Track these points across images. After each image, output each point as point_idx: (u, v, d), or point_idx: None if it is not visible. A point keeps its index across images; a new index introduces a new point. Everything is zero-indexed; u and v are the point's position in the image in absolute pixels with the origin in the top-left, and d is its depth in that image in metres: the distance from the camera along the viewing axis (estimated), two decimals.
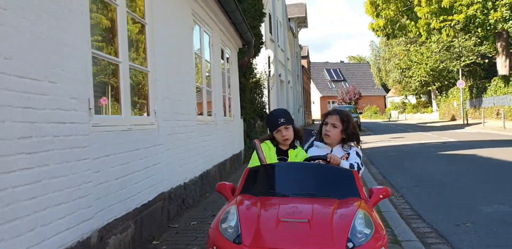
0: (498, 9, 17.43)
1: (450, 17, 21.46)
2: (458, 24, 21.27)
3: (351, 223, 2.31)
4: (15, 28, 2.19)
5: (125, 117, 3.56)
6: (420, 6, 24.76)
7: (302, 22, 34.46)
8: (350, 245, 2.20)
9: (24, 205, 2.20)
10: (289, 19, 30.91)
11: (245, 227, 2.33)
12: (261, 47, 12.74)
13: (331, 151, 3.07)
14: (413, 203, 5.59)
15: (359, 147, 3.14)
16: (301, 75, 37.64)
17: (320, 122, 3.20)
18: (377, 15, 28.76)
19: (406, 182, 7.19)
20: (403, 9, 28.17)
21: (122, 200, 3.36)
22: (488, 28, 20.96)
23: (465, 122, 28.19)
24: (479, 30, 21.61)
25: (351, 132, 3.08)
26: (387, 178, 7.79)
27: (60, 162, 2.54)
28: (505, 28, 20.25)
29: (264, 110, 15.37)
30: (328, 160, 2.87)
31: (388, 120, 48.50)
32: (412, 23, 27.73)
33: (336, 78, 62.54)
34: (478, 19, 19.27)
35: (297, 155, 3.06)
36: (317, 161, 2.94)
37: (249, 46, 10.23)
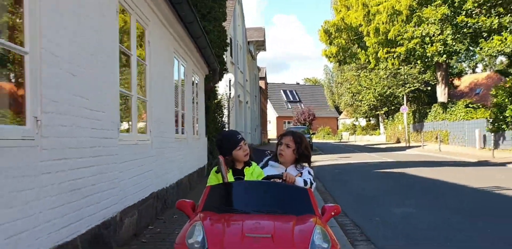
0: (434, 44, 20.09)
1: (393, 50, 24.20)
2: (400, 55, 24.00)
3: (310, 238, 2.51)
4: (88, 78, 3.66)
5: (134, 135, 5.02)
6: (369, 36, 27.46)
7: (261, 45, 36.62)
8: None
9: (89, 189, 3.63)
10: (248, 42, 32.95)
11: (212, 242, 2.47)
12: (224, 72, 14.37)
13: (285, 170, 3.30)
14: (344, 208, 7.25)
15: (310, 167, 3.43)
16: (258, 95, 39.59)
17: (276, 142, 3.50)
18: (330, 43, 31.35)
19: (343, 193, 8.89)
20: (354, 38, 30.93)
21: (132, 193, 4.79)
22: (426, 60, 23.77)
23: (407, 144, 30.94)
24: (418, 62, 24.42)
25: (303, 152, 3.34)
26: (328, 190, 9.46)
27: (105, 163, 3.98)
28: (440, 61, 23.11)
29: (224, 129, 16.88)
30: (284, 178, 3.08)
31: (339, 141, 51.28)
32: (362, 51, 30.44)
33: (292, 99, 65.24)
34: (417, 52, 21.95)
35: (252, 173, 3.19)
36: (273, 179, 3.15)
37: (215, 73, 11.85)
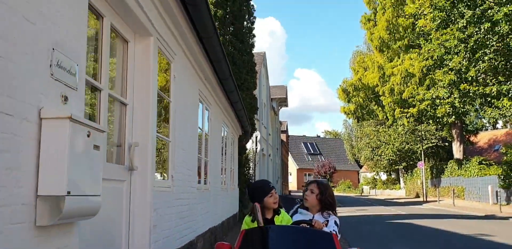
0: (443, 106, 22.48)
1: (406, 110, 26.67)
2: (413, 115, 26.40)
3: None
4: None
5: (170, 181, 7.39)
6: (385, 96, 30.08)
7: (283, 101, 39.62)
8: None
9: (187, 219, 5.95)
10: (271, 99, 35.97)
11: None
12: (254, 132, 16.93)
13: (313, 217, 3.53)
14: (354, 245, 9.27)
15: (336, 215, 3.64)
16: (280, 148, 42.01)
17: (303, 190, 3.84)
18: (349, 101, 34.07)
19: (355, 239, 10.90)
20: (371, 96, 33.61)
21: (184, 236, 7.05)
22: (437, 120, 26.08)
23: (425, 199, 32.35)
24: (430, 121, 26.71)
25: (326, 199, 3.60)
26: (345, 236, 11.43)
27: (190, 203, 6.32)
28: (449, 121, 25.38)
29: (250, 180, 19.13)
30: (313, 224, 3.31)
31: (360, 194, 52.46)
32: (379, 108, 32.96)
33: (312, 152, 67.37)
34: (429, 112, 24.33)
35: (281, 221, 3.47)
36: (302, 224, 3.38)
37: (247, 134, 14.38)
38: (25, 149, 2.16)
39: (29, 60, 2.20)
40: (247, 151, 19.67)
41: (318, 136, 75.52)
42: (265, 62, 31.98)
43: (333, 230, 3.46)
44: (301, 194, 4.08)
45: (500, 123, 58.58)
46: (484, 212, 20.28)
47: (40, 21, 2.29)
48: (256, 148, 20.60)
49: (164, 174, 5.21)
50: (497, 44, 15.81)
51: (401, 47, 28.50)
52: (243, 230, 3.41)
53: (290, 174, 59.40)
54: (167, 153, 5.22)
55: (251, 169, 20.01)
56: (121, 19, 3.86)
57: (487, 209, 22.58)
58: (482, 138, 45.82)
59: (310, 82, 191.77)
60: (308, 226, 3.37)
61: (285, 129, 48.37)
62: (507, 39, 15.56)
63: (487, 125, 58.00)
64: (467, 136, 36.75)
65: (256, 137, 20.29)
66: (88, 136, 2.50)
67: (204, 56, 6.47)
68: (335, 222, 3.55)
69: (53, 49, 2.40)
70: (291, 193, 44.08)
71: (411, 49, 28.78)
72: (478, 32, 15.13)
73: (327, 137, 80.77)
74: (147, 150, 4.18)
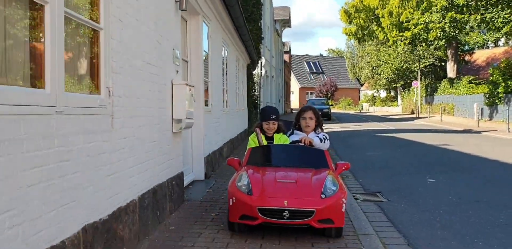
0: (434, 30, 24.52)
1: (401, 33, 28.65)
2: (407, 38, 28.44)
3: (323, 183, 3.96)
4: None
5: (216, 108, 10.26)
6: (384, 18, 31.76)
7: (286, 22, 41.12)
8: (323, 196, 3.85)
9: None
10: (275, 21, 37.52)
11: (254, 184, 3.96)
12: (260, 59, 19.43)
13: (306, 136, 4.74)
14: (340, 152, 12.40)
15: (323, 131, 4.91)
16: (283, 69, 44.39)
17: (297, 115, 4.93)
18: (350, 22, 35.67)
19: (341, 147, 14.04)
20: (372, 17, 35.16)
21: (217, 142, 10.06)
22: (429, 43, 28.19)
23: (417, 115, 35.66)
24: (423, 44, 28.82)
25: (319, 120, 4.88)
26: (334, 146, 14.58)
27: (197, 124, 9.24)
28: (439, 45, 27.53)
29: (256, 101, 22.07)
30: (302, 140, 4.59)
31: (359, 111, 56.00)
32: (380, 29, 34.70)
33: (315, 71, 69.65)
34: (422, 36, 26.37)
35: (280, 138, 4.70)
36: (297, 143, 4.60)
37: (254, 63, 16.93)
38: (168, 97, 4.92)
39: (167, 57, 4.88)
40: (254, 76, 22.38)
41: (321, 55, 77.16)
42: None
43: (322, 137, 4.73)
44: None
45: (502, 40, 59.98)
46: (464, 127, 23.45)
47: (168, 41, 4.93)
48: (261, 73, 23.26)
49: (208, 103, 8.03)
50: None
51: None
52: (250, 148, 4.66)
53: (293, 93, 62.45)
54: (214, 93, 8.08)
55: (256, 91, 22.88)
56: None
57: (470, 124, 25.74)
58: (481, 56, 47.78)
59: None
60: (302, 143, 4.61)
61: (288, 50, 50.22)
62: None
63: (489, 42, 59.45)
64: (462, 56, 38.86)
65: (261, 62, 22.81)
66: (190, 90, 5.27)
67: (225, 10, 8.79)
68: (324, 135, 4.81)
69: (173, 49, 5.06)
70: (293, 111, 47.44)
71: None
72: None
73: (330, 55, 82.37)
74: (199, 90, 6.94)
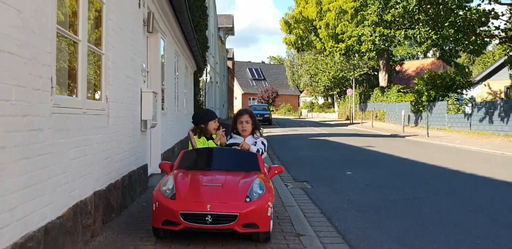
0: (366, 43, 27.03)
1: (336, 44, 31.11)
2: (342, 50, 30.94)
3: (250, 186, 3.95)
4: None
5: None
6: (321, 29, 34.17)
7: (230, 30, 42.67)
8: (248, 199, 3.83)
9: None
10: (218, 28, 38.94)
11: (179, 189, 3.91)
12: (206, 66, 20.79)
13: (243, 140, 4.78)
14: (278, 153, 13.99)
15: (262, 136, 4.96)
16: (226, 75, 45.85)
17: (233, 119, 4.95)
18: (290, 32, 37.88)
19: (280, 148, 15.66)
20: (311, 28, 37.57)
21: (171, 141, 11.34)
22: (361, 55, 30.84)
23: (351, 121, 38.36)
24: (356, 55, 31.44)
25: (256, 123, 4.87)
26: (273, 147, 16.17)
27: (168, 123, 10.52)
28: (371, 56, 30.22)
29: (202, 106, 23.34)
30: (241, 146, 4.62)
31: (298, 117, 58.61)
32: (318, 39, 37.16)
33: (257, 77, 71.84)
34: (355, 47, 28.88)
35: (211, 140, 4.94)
36: (233, 146, 4.69)
37: (200, 70, 18.27)
38: (137, 102, 6.20)
39: (138, 70, 6.16)
40: (200, 82, 23.67)
41: (263, 62, 79.62)
42: None
43: (260, 148, 4.69)
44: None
45: (430, 52, 65.07)
46: (392, 132, 25.96)
47: (138, 58, 6.23)
48: (206, 79, 24.61)
49: (164, 107, 9.30)
50: None
51: None
52: (182, 152, 4.67)
53: (236, 98, 64.08)
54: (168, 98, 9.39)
55: (202, 96, 24.18)
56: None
57: (397, 130, 28.36)
58: (411, 67, 51.79)
59: (258, 2, 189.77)
60: (238, 148, 4.63)
61: (232, 56, 51.83)
62: None
63: (419, 54, 64.36)
64: (393, 66, 42.22)
65: (206, 69, 24.17)
66: (155, 96, 6.58)
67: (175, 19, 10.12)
68: (262, 142, 4.76)
69: (142, 63, 6.36)
70: None
71: None
72: None
73: (271, 63, 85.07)
74: (158, 96, 8.20)
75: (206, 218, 3.72)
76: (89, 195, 3.89)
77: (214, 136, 4.98)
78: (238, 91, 66.87)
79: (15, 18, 2.51)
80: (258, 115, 32.53)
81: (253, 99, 66.16)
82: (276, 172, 4.66)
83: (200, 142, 4.91)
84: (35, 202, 2.77)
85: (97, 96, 4.40)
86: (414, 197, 6.89)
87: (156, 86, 8.25)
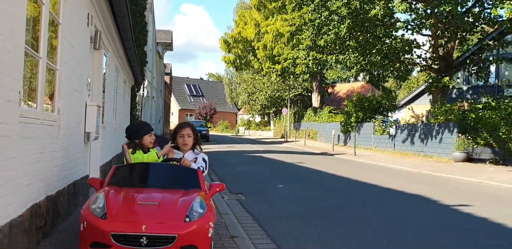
0: (300, 66, 28.53)
1: (272, 66, 32.47)
2: (277, 71, 32.34)
3: (190, 205, 3.66)
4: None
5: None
6: (259, 50, 35.43)
7: (168, 46, 42.96)
8: (187, 219, 3.53)
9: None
10: (157, 43, 39.14)
11: (110, 207, 3.56)
12: (144, 81, 21.03)
13: (183, 155, 4.47)
14: (215, 168, 14.46)
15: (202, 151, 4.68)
16: (163, 90, 45.84)
17: (173, 133, 4.66)
18: (229, 51, 38.87)
19: (217, 164, 16.17)
20: (249, 48, 38.79)
21: (109, 152, 11.57)
22: (296, 76, 32.41)
23: (286, 140, 39.68)
24: (291, 76, 32.95)
25: (197, 138, 4.63)
26: (210, 163, 16.64)
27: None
28: (304, 78, 31.86)
29: (136, 117, 23.37)
30: (182, 163, 4.28)
31: (236, 134, 59.40)
32: (256, 59, 38.39)
33: (195, 93, 72.11)
34: (290, 69, 30.32)
35: (149, 155, 4.46)
36: (172, 162, 4.37)
37: (138, 85, 18.51)
38: (82, 115, 6.54)
39: (84, 85, 6.54)
40: (137, 97, 23.77)
41: (201, 79, 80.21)
42: (153, 8, 34.78)
43: (201, 166, 4.40)
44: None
45: (361, 76, 68.83)
46: (322, 150, 27.28)
47: (85, 73, 6.61)
48: (143, 94, 24.76)
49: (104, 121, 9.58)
50: (337, 24, 21.42)
51: (276, 8, 33.58)
52: (114, 166, 4.30)
53: (172, 114, 63.81)
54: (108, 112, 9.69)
55: (138, 111, 24.25)
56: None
57: (327, 148, 29.77)
58: (342, 89, 54.60)
59: (197, 19, 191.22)
60: (178, 163, 4.24)
61: (169, 71, 51.92)
62: (346, 21, 21.06)
63: (351, 77, 67.92)
64: (326, 88, 44.37)
65: (144, 84, 24.35)
66: (99, 109, 6.95)
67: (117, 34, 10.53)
68: (203, 159, 4.49)
69: (87, 78, 6.74)
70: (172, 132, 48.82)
71: (284, 10, 34.00)
72: (320, 17, 20.59)
73: (210, 79, 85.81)
74: (100, 110, 8.52)
75: (141, 240, 3.43)
76: (42, 198, 4.24)
77: (153, 150, 4.60)
78: (175, 107, 66.69)
79: None
80: None
81: (191, 115, 66.21)
82: (217, 189, 4.44)
83: (136, 157, 4.47)
84: (2, 200, 3.15)
85: (50, 108, 4.77)
86: (336, 207, 7.71)
87: (98, 100, 8.57)
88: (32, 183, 3.88)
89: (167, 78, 50.53)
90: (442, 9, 16.45)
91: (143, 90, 24.87)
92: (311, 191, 9.57)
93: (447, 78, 21.48)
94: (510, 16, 16.38)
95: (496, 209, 7.83)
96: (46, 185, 4.42)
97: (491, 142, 19.70)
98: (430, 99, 24.95)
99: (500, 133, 19.16)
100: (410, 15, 20.20)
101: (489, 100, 20.94)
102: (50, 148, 4.49)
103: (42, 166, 4.22)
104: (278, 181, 10.91)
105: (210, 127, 42.93)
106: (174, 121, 63.93)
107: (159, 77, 41.37)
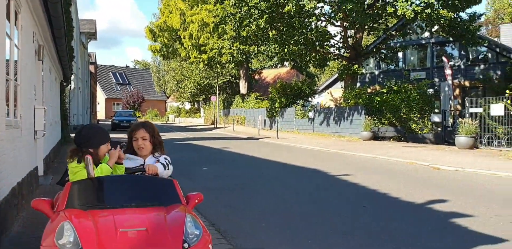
0: (225, 55, 30.33)
1: (199, 55, 33.97)
2: (204, 61, 33.93)
3: (183, 227, 2.98)
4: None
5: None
6: (185, 39, 36.66)
7: (92, 35, 42.92)
8: (186, 245, 2.89)
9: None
10: (80, 33, 39.11)
11: (85, 241, 2.67)
12: (71, 75, 21.87)
13: (144, 161, 3.79)
14: None
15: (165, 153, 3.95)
16: (89, 80, 45.79)
17: (128, 137, 3.90)
18: (155, 40, 39.70)
19: None
20: (175, 37, 39.83)
21: (49, 146, 12.84)
22: (222, 65, 34.21)
23: (216, 126, 41.53)
24: (218, 65, 34.69)
25: (157, 140, 3.90)
26: None
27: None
28: (230, 67, 33.77)
29: (66, 113, 24.17)
30: (147, 171, 3.56)
31: (165, 122, 60.34)
32: (182, 47, 39.53)
33: (121, 82, 71.70)
34: (216, 58, 32.01)
35: (117, 168, 3.59)
36: (136, 173, 3.59)
37: (67, 80, 19.45)
38: (30, 116, 7.96)
39: (32, 91, 7.94)
40: (66, 91, 24.49)
41: (128, 66, 79.50)
42: None
43: (164, 162, 3.82)
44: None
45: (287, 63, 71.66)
46: (249, 135, 29.40)
47: (33, 81, 8.01)
48: (71, 86, 25.47)
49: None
50: (258, 17, 23.30)
51: None
52: (69, 183, 3.38)
53: (98, 104, 63.39)
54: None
55: (67, 104, 24.98)
56: None
57: (254, 133, 31.95)
58: (270, 75, 57.11)
59: (120, 1, 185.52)
60: (142, 173, 3.60)
61: (94, 61, 51.63)
62: (264, 16, 22.96)
63: (278, 62, 70.68)
64: (253, 75, 46.53)
65: (71, 77, 25.03)
66: (45, 111, 8.38)
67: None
68: (165, 158, 3.94)
69: (34, 85, 8.15)
70: (99, 122, 48.98)
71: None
72: (240, 12, 22.41)
73: (136, 67, 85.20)
74: (48, 107, 9.88)
75: None
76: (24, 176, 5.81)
77: (105, 158, 3.72)
78: (101, 96, 66.16)
79: None
80: (125, 121, 33.75)
81: (118, 104, 66.06)
82: (196, 201, 3.81)
83: (79, 168, 3.49)
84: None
85: (15, 115, 6.28)
86: (248, 182, 9.75)
87: (40, 101, 9.90)
88: (14, 171, 5.45)
89: (92, 68, 50.32)
90: (344, 7, 18.86)
91: (71, 83, 25.57)
92: (230, 170, 11.56)
93: (356, 66, 24.24)
94: (402, 13, 19.14)
95: (368, 176, 10.27)
96: (22, 172, 5.97)
97: (394, 122, 22.84)
98: (341, 86, 27.78)
99: (401, 114, 22.29)
100: (321, 10, 22.57)
101: (392, 84, 23.95)
102: (20, 146, 6.02)
103: (21, 159, 5.77)
104: (203, 164, 12.78)
105: (139, 116, 43.71)
106: (100, 111, 63.67)
107: (84, 67, 41.40)
